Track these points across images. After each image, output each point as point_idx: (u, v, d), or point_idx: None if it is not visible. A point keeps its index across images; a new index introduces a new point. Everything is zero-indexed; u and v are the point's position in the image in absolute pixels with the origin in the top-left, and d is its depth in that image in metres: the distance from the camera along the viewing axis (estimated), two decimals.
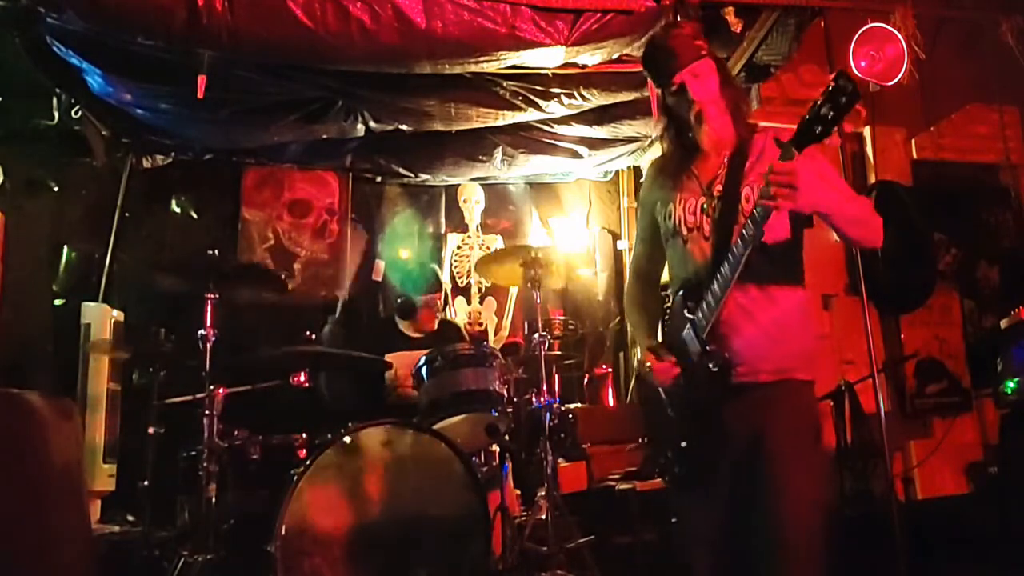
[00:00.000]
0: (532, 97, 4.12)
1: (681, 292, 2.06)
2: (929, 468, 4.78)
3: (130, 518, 3.76)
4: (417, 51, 3.56)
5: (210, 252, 3.35)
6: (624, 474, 4.08)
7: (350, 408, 3.74)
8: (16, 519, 2.14)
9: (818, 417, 2.09)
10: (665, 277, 2.26)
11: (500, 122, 4.37)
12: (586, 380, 5.18)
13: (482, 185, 5.28)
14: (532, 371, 3.81)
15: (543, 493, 3.37)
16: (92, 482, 3.74)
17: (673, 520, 2.14)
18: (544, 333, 3.55)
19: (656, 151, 4.56)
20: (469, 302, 5.15)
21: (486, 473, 3.51)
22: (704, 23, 3.62)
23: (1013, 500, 3.98)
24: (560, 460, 3.96)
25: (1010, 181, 5.53)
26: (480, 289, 5.16)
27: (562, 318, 4.97)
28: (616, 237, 5.53)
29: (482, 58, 3.67)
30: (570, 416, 3.78)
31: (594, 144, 4.77)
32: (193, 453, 3.33)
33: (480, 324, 5.08)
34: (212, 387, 3.15)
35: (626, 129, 4.61)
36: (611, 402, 5.10)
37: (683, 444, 2.04)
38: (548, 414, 3.42)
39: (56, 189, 4.49)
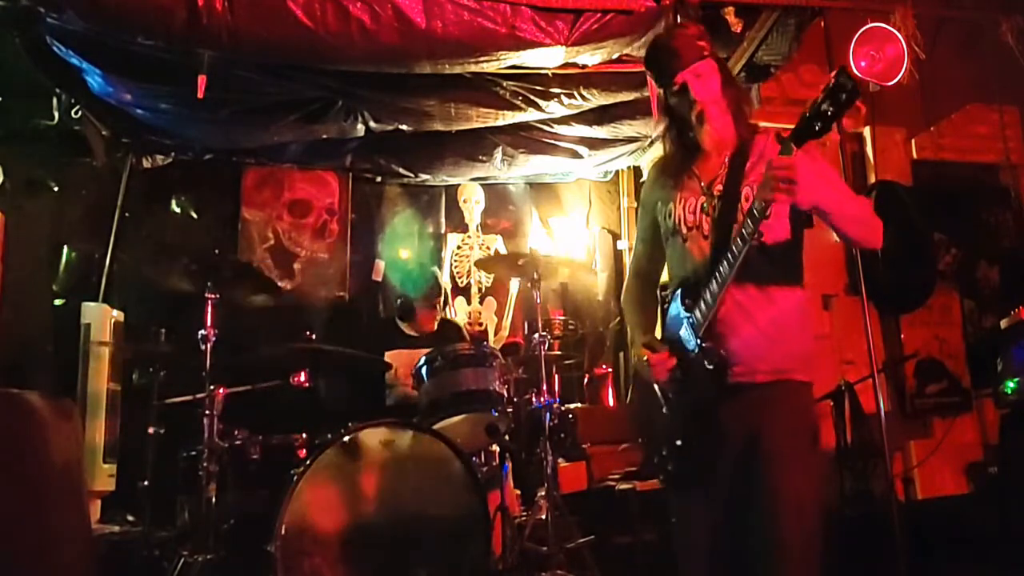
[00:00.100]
0: (532, 97, 4.12)
1: (679, 290, 2.07)
2: (929, 468, 4.78)
3: (130, 518, 3.76)
4: (417, 51, 3.56)
5: (216, 252, 3.35)
6: (624, 474, 4.08)
7: (350, 408, 3.74)
8: (16, 519, 2.14)
9: (816, 419, 2.10)
10: (665, 277, 2.26)
11: (500, 122, 4.36)
12: (586, 380, 5.18)
13: (482, 185, 5.28)
14: (532, 371, 3.81)
15: (543, 493, 3.37)
16: (92, 482, 3.74)
17: (673, 520, 2.14)
18: (544, 333, 3.55)
19: (656, 151, 4.57)
20: (469, 302, 5.15)
21: (486, 473, 3.51)
22: (704, 23, 3.61)
23: (1013, 500, 3.98)
24: (560, 460, 3.96)
25: (1010, 181, 5.53)
26: (480, 289, 5.16)
27: (562, 318, 4.97)
28: (616, 237, 5.53)
29: (482, 58, 3.67)
30: (570, 416, 3.78)
31: (594, 144, 4.77)
32: (193, 453, 3.33)
33: (480, 324, 5.08)
34: (212, 387, 3.15)
35: (626, 129, 4.61)
36: (611, 402, 5.10)
37: (678, 443, 2.04)
38: (548, 414, 3.42)
39: (56, 189, 4.49)
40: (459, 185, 5.26)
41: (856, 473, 4.06)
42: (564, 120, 4.48)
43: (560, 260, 4.59)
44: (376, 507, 2.97)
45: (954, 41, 4.86)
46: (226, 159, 4.84)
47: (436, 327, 4.28)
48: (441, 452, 3.09)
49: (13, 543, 2.12)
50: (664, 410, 2.07)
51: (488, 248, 5.22)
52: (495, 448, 3.72)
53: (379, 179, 5.18)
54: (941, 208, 5.25)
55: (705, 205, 2.06)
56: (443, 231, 5.28)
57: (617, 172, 5.48)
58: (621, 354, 5.25)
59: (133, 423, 4.02)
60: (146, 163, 4.68)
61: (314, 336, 3.60)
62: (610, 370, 5.18)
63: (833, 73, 1.70)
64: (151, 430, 3.57)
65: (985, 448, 4.99)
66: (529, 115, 4.31)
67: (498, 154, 4.79)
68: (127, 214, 4.59)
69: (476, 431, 3.42)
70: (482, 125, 4.38)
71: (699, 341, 1.97)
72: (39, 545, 2.20)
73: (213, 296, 3.25)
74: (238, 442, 3.21)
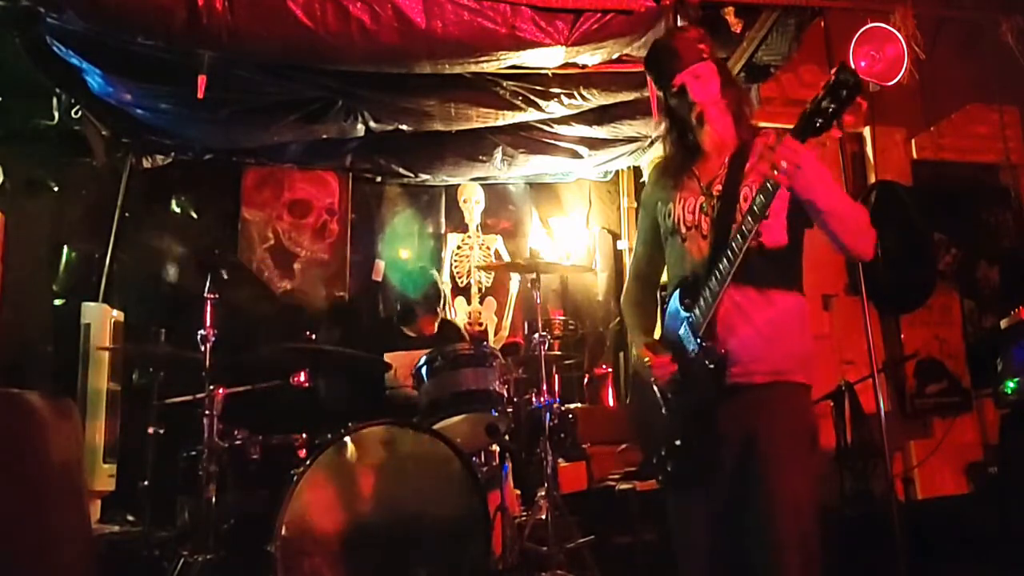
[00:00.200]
0: (532, 97, 4.12)
1: (678, 290, 2.07)
2: (929, 468, 4.78)
3: (130, 518, 3.76)
4: (417, 51, 3.56)
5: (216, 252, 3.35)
6: (624, 474, 4.08)
7: (350, 408, 3.74)
8: (16, 519, 2.14)
9: (814, 421, 2.10)
10: (665, 278, 2.26)
11: (500, 122, 4.37)
12: (586, 380, 5.18)
13: (482, 185, 5.28)
14: (532, 371, 3.81)
15: (543, 493, 3.37)
16: (92, 482, 3.74)
17: (672, 521, 2.14)
18: (544, 333, 3.55)
19: (656, 151, 4.57)
20: (469, 302, 5.15)
21: (486, 473, 3.51)
22: (704, 23, 3.62)
23: (1013, 500, 3.98)
24: (560, 460, 3.96)
25: (1010, 181, 5.53)
26: (480, 289, 5.16)
27: (562, 318, 4.97)
28: (616, 237, 5.53)
29: (482, 58, 3.67)
30: (570, 416, 3.78)
31: (594, 144, 4.77)
32: (193, 453, 3.33)
33: (480, 324, 5.08)
34: (212, 387, 3.15)
35: (626, 129, 4.61)
36: (611, 402, 5.10)
37: (677, 443, 2.04)
38: (548, 414, 3.41)
39: (56, 189, 4.49)
40: (459, 185, 5.26)
41: (856, 473, 4.06)
42: (564, 120, 4.48)
43: (563, 269, 4.61)
44: (376, 507, 2.97)
45: (954, 41, 4.86)
46: (226, 159, 4.84)
47: (436, 328, 4.27)
48: (441, 452, 3.08)
49: (13, 543, 2.12)
50: (663, 411, 2.07)
51: (488, 248, 5.22)
52: (495, 448, 3.72)
53: (379, 179, 5.18)
54: (941, 208, 5.25)
55: (704, 205, 2.06)
56: (443, 231, 5.29)
57: (617, 172, 5.48)
58: (621, 354, 5.25)
59: (133, 423, 4.02)
60: (146, 163, 4.68)
61: (314, 336, 3.60)
62: (610, 370, 5.18)
63: (834, 69, 1.70)
64: (151, 430, 3.57)
65: (985, 448, 4.99)
66: (529, 115, 4.31)
67: (498, 154, 4.79)
68: (127, 214, 4.59)
69: (476, 431, 3.42)
70: (482, 125, 4.39)
71: (698, 340, 1.97)
72: (39, 545, 2.20)
73: (213, 296, 3.25)
74: (238, 442, 3.20)
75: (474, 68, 3.79)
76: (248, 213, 4.91)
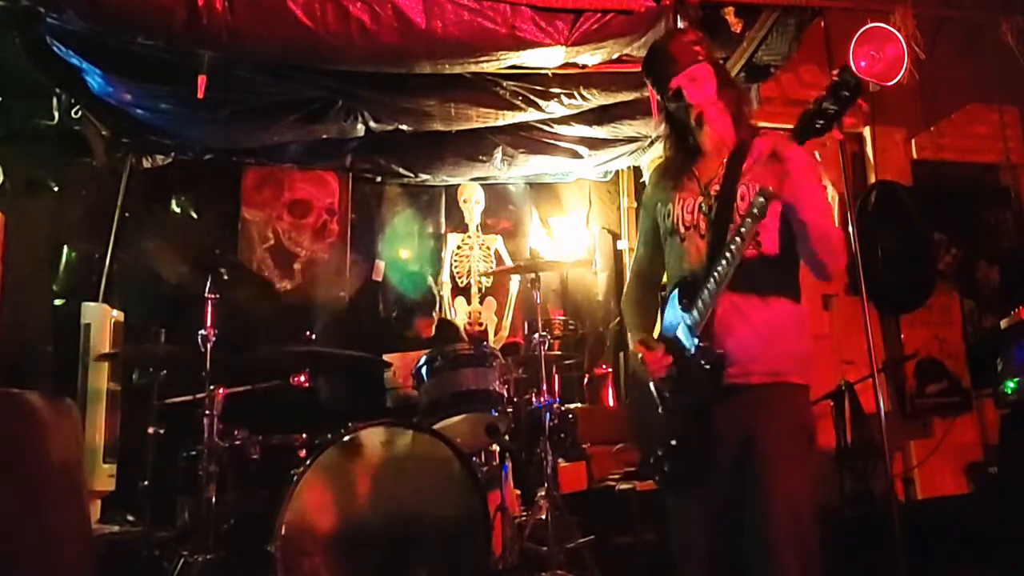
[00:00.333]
0: (532, 97, 4.12)
1: (676, 290, 2.07)
2: (929, 468, 4.78)
3: (130, 518, 3.76)
4: (417, 51, 3.56)
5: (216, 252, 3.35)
6: (624, 474, 4.08)
7: (350, 408, 3.74)
8: (16, 519, 2.14)
9: (812, 421, 2.09)
10: (666, 279, 2.27)
11: (500, 122, 4.36)
12: (586, 380, 5.18)
13: (482, 185, 5.27)
14: (532, 371, 3.81)
15: (543, 493, 3.37)
16: (92, 482, 3.74)
17: (671, 521, 2.14)
18: (544, 333, 3.55)
19: (656, 151, 4.57)
20: (469, 302, 5.15)
21: (486, 473, 3.51)
22: (704, 23, 3.62)
23: (1013, 500, 3.98)
24: (560, 460, 3.96)
25: (1010, 181, 5.53)
26: (480, 289, 5.16)
27: (562, 318, 4.97)
28: (616, 237, 5.53)
29: (482, 58, 3.67)
30: (570, 416, 3.78)
31: (594, 144, 4.77)
32: (193, 453, 3.33)
33: (480, 324, 5.08)
34: (212, 387, 3.15)
35: (626, 129, 4.61)
36: (611, 402, 5.10)
37: (673, 443, 2.04)
38: (548, 414, 3.42)
39: (56, 189, 4.49)
40: (459, 185, 5.25)
41: (856, 473, 4.07)
42: (564, 120, 4.48)
43: (562, 266, 4.61)
44: (376, 507, 2.98)
45: (954, 41, 4.86)
46: (226, 159, 4.84)
47: (433, 330, 4.27)
48: (441, 452, 3.09)
49: (13, 543, 2.12)
50: (660, 410, 2.07)
51: (488, 248, 5.22)
52: (495, 448, 3.72)
53: (379, 179, 5.18)
54: (941, 208, 5.25)
55: (703, 205, 2.06)
56: (443, 231, 5.28)
57: (617, 172, 5.48)
58: (621, 354, 5.25)
59: (133, 423, 4.02)
60: (146, 163, 4.68)
61: (314, 336, 3.60)
62: (610, 370, 5.17)
63: (836, 71, 1.71)
64: (151, 430, 3.57)
65: (985, 448, 5.00)
66: (529, 115, 4.31)
67: (498, 154, 4.79)
68: (127, 214, 4.59)
69: (476, 431, 3.42)
70: (482, 125, 4.38)
71: (696, 341, 1.97)
72: (39, 545, 2.20)
73: (213, 296, 3.24)
74: (238, 442, 3.20)
75: (474, 68, 3.79)
76: (248, 213, 4.90)
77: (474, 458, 3.42)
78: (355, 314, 4.92)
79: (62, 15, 3.27)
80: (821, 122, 1.73)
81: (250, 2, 3.30)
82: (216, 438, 3.12)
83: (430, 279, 4.47)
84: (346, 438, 3.01)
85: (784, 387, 1.98)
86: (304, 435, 3.28)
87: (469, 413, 3.41)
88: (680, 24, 3.56)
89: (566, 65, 3.88)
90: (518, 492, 3.87)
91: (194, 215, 4.85)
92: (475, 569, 3.02)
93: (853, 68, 1.71)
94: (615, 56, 3.85)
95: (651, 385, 2.09)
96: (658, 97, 2.17)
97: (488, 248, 5.23)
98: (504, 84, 4.05)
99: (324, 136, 4.48)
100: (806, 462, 1.97)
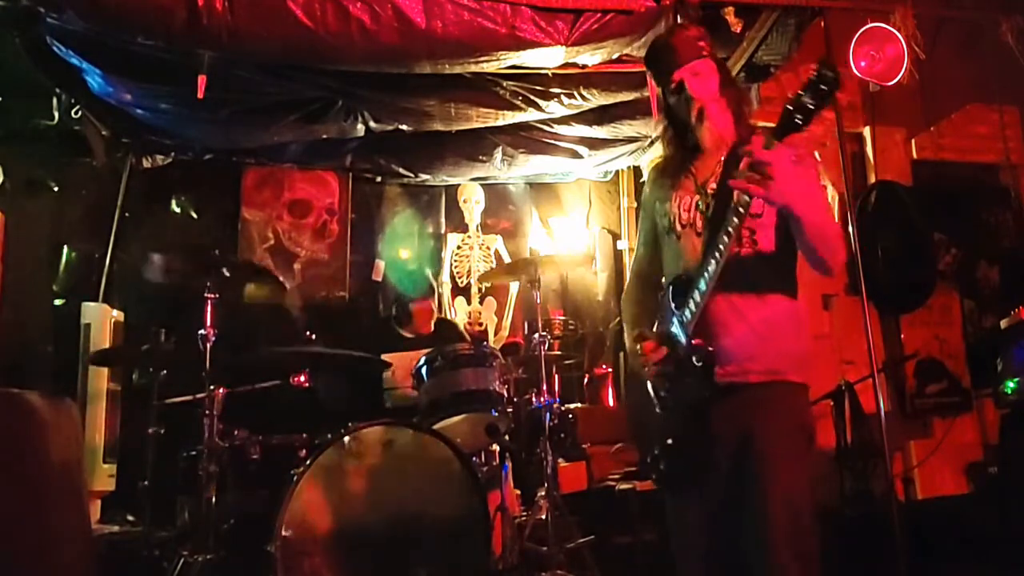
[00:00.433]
0: (532, 97, 4.12)
1: (671, 288, 2.07)
2: (929, 468, 4.78)
3: (130, 518, 3.76)
4: (417, 51, 3.55)
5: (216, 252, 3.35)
6: (624, 474, 4.08)
7: (350, 408, 3.74)
8: (16, 519, 2.14)
9: (810, 421, 2.08)
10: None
11: (500, 122, 4.36)
12: (586, 380, 5.18)
13: (482, 185, 5.28)
14: (532, 371, 3.81)
15: (543, 493, 3.37)
16: (92, 482, 3.74)
17: (670, 522, 2.14)
18: (544, 333, 3.55)
19: (656, 151, 4.57)
20: (469, 302, 5.15)
21: (486, 473, 3.51)
22: (704, 23, 3.61)
23: (1013, 500, 3.98)
24: (560, 460, 3.96)
25: (1010, 181, 5.53)
26: (480, 289, 5.16)
27: (562, 318, 4.97)
28: (616, 237, 5.53)
29: (482, 58, 3.67)
30: (570, 416, 3.78)
31: (594, 144, 4.77)
32: (193, 453, 3.33)
33: (480, 324, 5.08)
34: (212, 387, 3.15)
35: (626, 129, 4.61)
36: (611, 402, 5.10)
37: (669, 442, 2.03)
38: (548, 414, 3.42)
39: (56, 189, 4.49)
40: (459, 185, 5.26)
41: (856, 473, 4.07)
42: (564, 120, 4.48)
43: (561, 259, 4.60)
44: (376, 507, 2.97)
45: (954, 41, 4.86)
46: (226, 159, 4.84)
47: (433, 327, 4.26)
48: (441, 452, 3.09)
49: (13, 543, 2.12)
50: (657, 410, 2.07)
51: (488, 248, 5.22)
52: (495, 448, 3.72)
53: (379, 179, 5.18)
54: (941, 208, 5.25)
55: (699, 203, 2.06)
56: (443, 231, 5.28)
57: (617, 172, 5.48)
58: (621, 354, 5.25)
59: (133, 423, 4.02)
60: (146, 163, 4.68)
61: (314, 336, 3.60)
62: (610, 370, 5.17)
63: (814, 66, 1.71)
64: (151, 430, 3.56)
65: (985, 448, 5.00)
66: (529, 115, 4.31)
67: (498, 154, 4.79)
68: (127, 214, 4.59)
69: (476, 431, 3.42)
70: (482, 125, 4.38)
71: (688, 338, 1.97)
72: (39, 545, 2.20)
73: (213, 296, 3.25)
74: (238, 442, 3.20)
75: (474, 68, 3.79)
76: (248, 213, 4.90)
77: (474, 458, 3.42)
78: (355, 314, 4.92)
79: (62, 15, 3.27)
80: (800, 117, 1.72)
81: (250, 2, 3.30)
82: (216, 438, 3.12)
83: (429, 274, 4.45)
84: (346, 438, 3.01)
85: (782, 386, 1.97)
86: (304, 435, 3.28)
87: (469, 413, 3.41)
88: (680, 22, 3.56)
89: (566, 65, 3.88)
90: (518, 492, 3.87)
91: (194, 215, 4.85)
92: (475, 569, 3.02)
93: (831, 62, 1.70)
94: (615, 56, 3.85)
95: (648, 384, 2.09)
96: (659, 93, 2.17)
97: (488, 248, 5.23)
98: (504, 84, 4.05)
99: (324, 136, 4.48)
100: (805, 461, 1.96)
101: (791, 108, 1.72)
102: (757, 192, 1.77)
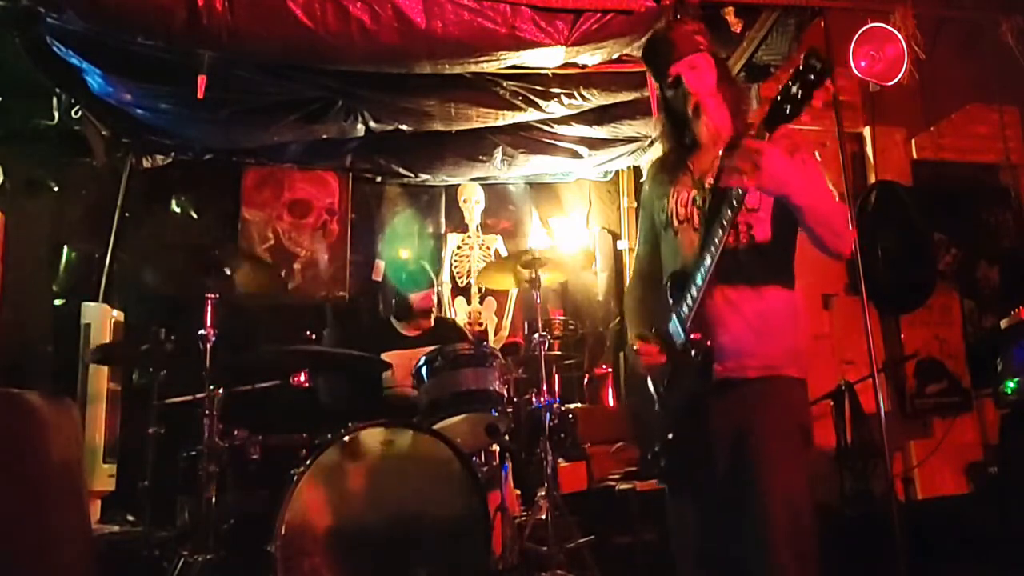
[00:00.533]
0: (532, 97, 4.12)
1: (669, 284, 2.07)
2: (929, 468, 4.78)
3: (130, 518, 3.76)
4: (417, 51, 3.56)
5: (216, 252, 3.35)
6: (624, 474, 4.08)
7: (350, 408, 3.74)
8: (16, 519, 2.14)
9: (808, 415, 2.08)
10: None
11: (500, 122, 4.36)
12: (586, 380, 5.18)
13: (482, 185, 5.28)
14: (532, 371, 3.81)
15: (543, 493, 3.37)
16: (92, 482, 3.74)
17: (670, 522, 2.14)
18: (544, 333, 3.55)
19: (656, 151, 4.57)
20: (469, 302, 5.15)
21: (486, 473, 3.50)
22: (704, 23, 3.61)
23: (1013, 500, 3.98)
24: (560, 460, 3.96)
25: (1010, 181, 5.53)
26: (480, 289, 5.16)
27: (562, 318, 4.97)
28: (616, 237, 5.53)
29: (482, 58, 3.67)
30: (570, 416, 3.77)
31: (594, 144, 4.77)
32: (193, 453, 3.33)
33: (480, 324, 5.08)
34: (212, 387, 3.15)
35: (626, 129, 4.61)
36: (611, 402, 5.10)
37: (669, 437, 2.03)
38: (548, 414, 3.41)
39: (56, 189, 4.49)
40: (459, 185, 5.26)
41: (856, 473, 4.07)
42: (564, 120, 4.48)
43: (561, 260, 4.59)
44: (376, 507, 2.97)
45: (954, 41, 4.86)
46: (226, 159, 4.84)
47: (433, 323, 4.24)
48: (441, 452, 3.08)
49: (13, 543, 2.12)
50: (656, 405, 2.08)
51: (488, 248, 5.22)
52: (495, 448, 3.71)
53: (379, 179, 5.18)
54: (941, 208, 5.25)
55: (697, 198, 2.06)
56: (443, 231, 5.28)
57: (617, 172, 5.48)
58: (621, 354, 5.25)
59: (133, 423, 4.02)
60: (146, 163, 4.68)
61: (314, 336, 3.59)
62: (610, 370, 5.17)
63: (802, 55, 1.71)
64: (151, 430, 3.56)
65: (985, 448, 4.99)
66: (529, 115, 4.31)
67: (498, 154, 4.79)
68: (127, 214, 4.59)
69: (476, 431, 3.42)
70: (482, 125, 4.38)
71: (686, 334, 1.97)
72: (39, 545, 2.20)
73: (213, 296, 3.25)
74: (238, 442, 3.19)
75: (474, 68, 3.79)
76: (248, 213, 4.90)
77: (474, 458, 3.42)
78: (355, 314, 4.92)
79: (62, 15, 3.27)
80: (789, 107, 1.72)
81: (250, 2, 3.30)
82: (216, 438, 3.11)
83: (426, 264, 4.42)
84: (346, 438, 3.01)
85: (779, 381, 1.97)
86: (304, 435, 3.28)
87: (469, 413, 3.41)
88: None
89: (566, 65, 3.88)
90: (518, 492, 3.87)
91: (194, 215, 4.85)
92: (475, 569, 3.02)
93: (819, 51, 1.69)
94: (615, 56, 3.85)
95: (648, 381, 2.09)
96: (657, 90, 2.17)
97: (488, 248, 5.23)
98: (504, 84, 4.05)
99: (324, 136, 4.48)
100: (802, 459, 1.95)
101: (780, 98, 1.72)
102: (749, 183, 1.77)
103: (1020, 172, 5.56)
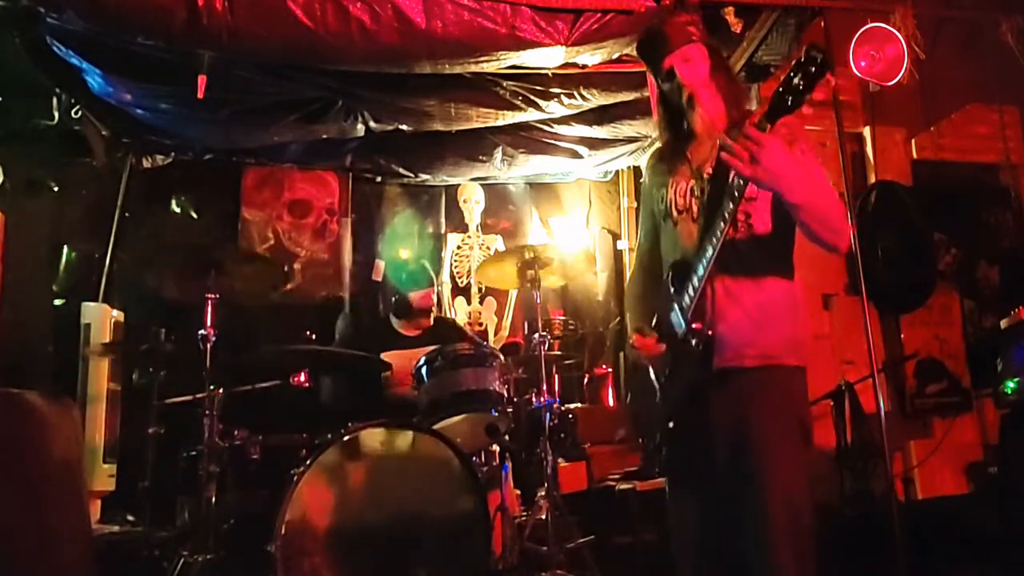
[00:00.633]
0: (532, 97, 4.12)
1: (670, 273, 2.07)
2: (929, 468, 4.78)
3: (130, 518, 3.76)
4: (417, 51, 3.55)
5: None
6: (624, 474, 4.08)
7: (350, 408, 3.74)
8: (16, 519, 2.14)
9: (806, 404, 2.07)
10: None
11: (500, 122, 4.36)
12: (586, 380, 5.18)
13: (482, 185, 5.28)
14: (532, 371, 3.81)
15: (543, 493, 3.37)
16: (92, 482, 3.74)
17: (671, 522, 2.14)
18: (544, 333, 3.55)
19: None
20: (469, 302, 5.15)
21: (486, 473, 3.50)
22: (704, 23, 3.61)
23: (1013, 500, 3.98)
24: (560, 460, 3.96)
25: (1010, 181, 5.53)
26: (480, 289, 5.16)
27: (562, 318, 4.97)
28: (616, 237, 5.53)
29: (482, 58, 3.67)
30: (570, 416, 3.78)
31: (594, 144, 4.77)
32: (193, 453, 3.33)
33: (480, 324, 5.08)
34: (212, 387, 3.15)
35: (626, 129, 4.61)
36: (611, 402, 5.10)
37: (670, 426, 2.04)
38: (548, 414, 3.41)
39: (56, 189, 4.49)
40: (459, 185, 5.26)
41: (856, 473, 4.06)
42: (564, 120, 4.48)
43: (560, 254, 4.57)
44: (376, 507, 2.97)
45: (954, 41, 4.85)
46: (226, 159, 4.84)
47: (432, 323, 4.24)
48: (441, 452, 3.08)
49: (13, 543, 2.12)
50: (657, 396, 2.08)
51: (488, 248, 5.22)
52: (495, 448, 3.72)
53: (379, 179, 5.18)
54: (941, 208, 5.25)
55: (695, 188, 2.06)
56: (443, 231, 5.28)
57: (617, 172, 5.48)
58: (621, 354, 5.25)
59: (133, 423, 4.02)
60: (146, 163, 4.68)
61: (314, 336, 3.59)
62: (610, 370, 5.17)
63: (803, 47, 1.71)
64: (151, 430, 3.56)
65: (985, 448, 4.99)
66: (529, 115, 4.31)
67: (498, 154, 4.79)
68: (127, 214, 4.59)
69: (476, 431, 3.42)
70: (482, 125, 4.38)
71: (687, 324, 1.97)
72: (39, 545, 2.20)
73: (213, 296, 3.24)
74: (238, 442, 3.20)
75: (474, 68, 3.78)
76: (248, 213, 4.90)
77: (474, 458, 3.42)
78: (355, 314, 4.92)
79: (62, 15, 3.27)
80: (791, 98, 1.71)
81: (250, 2, 3.30)
82: (216, 438, 3.12)
83: (426, 263, 4.42)
84: (346, 438, 3.01)
85: (778, 370, 1.97)
86: (304, 435, 3.28)
87: (469, 413, 3.41)
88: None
89: (566, 65, 3.88)
90: (518, 492, 3.87)
91: (194, 215, 4.85)
92: (475, 569, 3.02)
93: (821, 44, 1.69)
94: (615, 56, 3.85)
95: (650, 371, 2.09)
96: (655, 83, 2.17)
97: (488, 248, 5.22)
98: (504, 84, 4.05)
99: (324, 136, 4.48)
100: (801, 451, 1.95)
101: (781, 90, 1.72)
102: (744, 171, 1.76)
103: (1020, 172, 5.56)
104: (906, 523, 3.45)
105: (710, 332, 1.94)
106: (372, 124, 4.31)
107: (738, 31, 3.81)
